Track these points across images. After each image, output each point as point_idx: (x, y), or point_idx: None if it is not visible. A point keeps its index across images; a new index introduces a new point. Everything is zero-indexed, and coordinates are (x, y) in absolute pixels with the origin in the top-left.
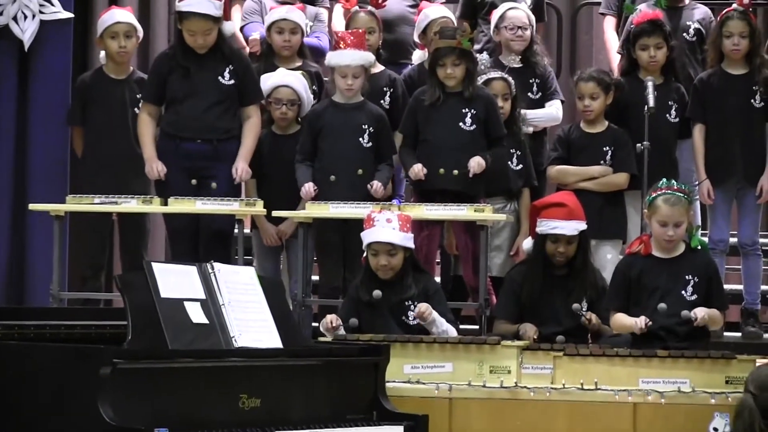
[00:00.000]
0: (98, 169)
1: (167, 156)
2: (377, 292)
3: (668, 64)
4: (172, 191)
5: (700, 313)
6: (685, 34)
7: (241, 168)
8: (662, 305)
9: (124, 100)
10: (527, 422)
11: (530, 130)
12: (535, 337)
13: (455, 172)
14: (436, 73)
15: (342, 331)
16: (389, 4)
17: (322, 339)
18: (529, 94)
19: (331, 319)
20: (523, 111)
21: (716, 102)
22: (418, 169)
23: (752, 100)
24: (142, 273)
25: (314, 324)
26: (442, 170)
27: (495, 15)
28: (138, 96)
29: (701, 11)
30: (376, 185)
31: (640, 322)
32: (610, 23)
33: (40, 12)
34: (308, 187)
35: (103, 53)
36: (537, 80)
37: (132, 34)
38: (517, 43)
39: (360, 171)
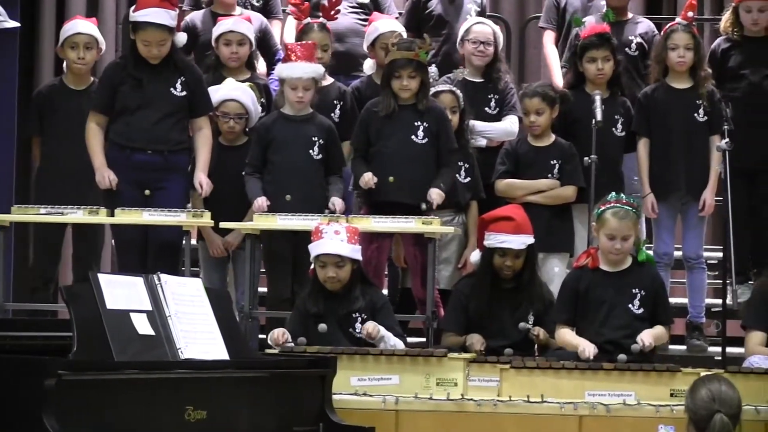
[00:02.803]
0: (57, 180)
1: (117, 167)
2: (323, 326)
3: (614, 78)
4: (121, 202)
5: (647, 340)
6: (627, 49)
7: (204, 181)
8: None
9: (83, 110)
10: None
11: (483, 143)
12: (482, 348)
13: (393, 179)
14: (390, 85)
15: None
16: (339, 17)
17: (268, 351)
18: (487, 108)
19: (279, 333)
20: (472, 122)
21: (660, 116)
22: (368, 178)
23: (695, 115)
24: (88, 284)
25: (261, 336)
26: (391, 178)
27: (462, 28)
28: None
29: (644, 25)
30: (338, 203)
31: (587, 352)
32: (549, 37)
33: None
34: (261, 201)
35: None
36: (496, 96)
37: (92, 46)
38: (477, 58)
39: (308, 185)
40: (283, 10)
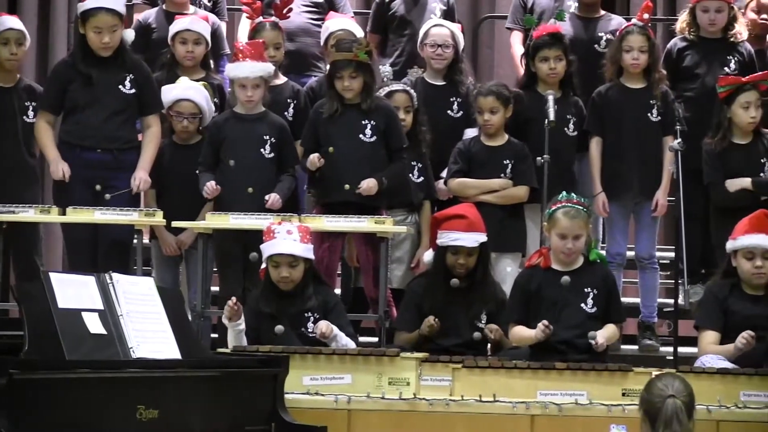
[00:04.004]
0: None
1: (68, 165)
2: (279, 328)
3: (567, 78)
4: (71, 200)
5: (600, 339)
6: (596, 46)
7: (139, 177)
8: (566, 278)
9: (13, 108)
10: None
11: None
12: (436, 323)
13: (349, 186)
14: (334, 86)
15: (242, 322)
16: (293, 15)
17: (221, 350)
18: (449, 111)
19: (231, 303)
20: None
21: (614, 116)
22: (315, 158)
23: (649, 114)
24: (40, 283)
25: (213, 335)
26: (347, 186)
27: (421, 30)
28: (27, 104)
29: (616, 22)
30: (273, 198)
31: (541, 326)
32: (517, 37)
33: None
34: (211, 185)
35: None
36: (459, 99)
37: (23, 42)
38: (437, 61)
39: (257, 183)
40: (237, 10)
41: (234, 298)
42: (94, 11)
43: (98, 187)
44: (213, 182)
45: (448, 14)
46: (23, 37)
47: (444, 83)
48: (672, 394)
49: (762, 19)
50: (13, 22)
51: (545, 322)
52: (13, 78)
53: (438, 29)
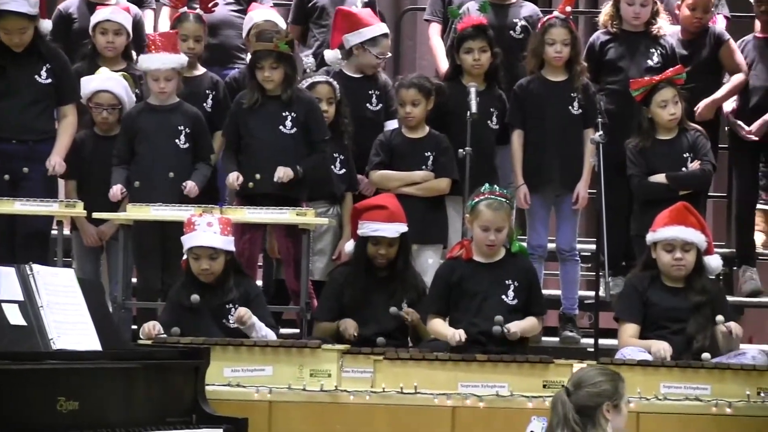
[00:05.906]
0: None
1: None
2: (195, 297)
3: (491, 70)
4: None
5: (512, 327)
6: (512, 32)
7: (54, 161)
8: (499, 317)
9: None
10: (347, 426)
11: None
12: (355, 334)
13: (260, 176)
14: (255, 76)
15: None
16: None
17: (141, 341)
18: (368, 105)
19: (150, 326)
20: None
21: (535, 108)
22: (232, 179)
23: (570, 107)
24: None
25: (134, 326)
26: (257, 177)
27: (368, 33)
28: None
29: (529, 9)
30: (189, 185)
31: (457, 335)
32: (435, 29)
33: None
34: (115, 190)
35: None
36: (377, 91)
37: None
38: (373, 68)
39: (172, 174)
40: (158, 0)
41: (153, 324)
42: (2, 13)
43: (6, 177)
44: (119, 186)
45: (369, 5)
46: None
47: (361, 75)
48: (564, 385)
49: (696, 18)
50: None
51: (462, 332)
52: None
53: (386, 40)
